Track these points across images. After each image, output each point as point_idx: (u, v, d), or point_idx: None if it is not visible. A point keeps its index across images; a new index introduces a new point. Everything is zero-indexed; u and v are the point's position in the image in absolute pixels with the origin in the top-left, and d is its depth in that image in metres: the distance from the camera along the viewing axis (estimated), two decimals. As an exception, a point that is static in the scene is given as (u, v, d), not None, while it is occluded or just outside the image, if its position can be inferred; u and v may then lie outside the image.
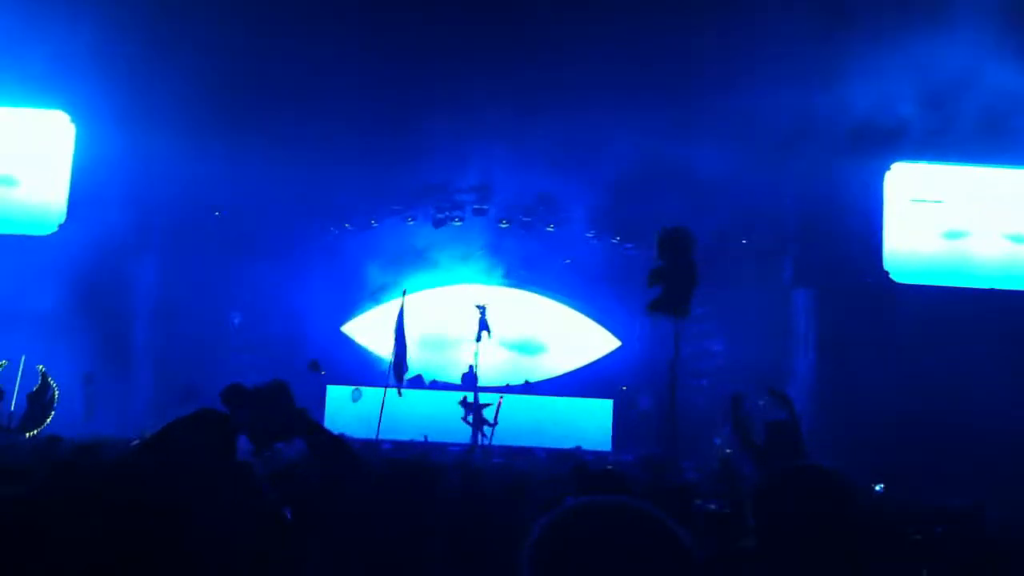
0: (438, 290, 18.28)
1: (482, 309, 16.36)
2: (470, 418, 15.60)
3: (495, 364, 17.66)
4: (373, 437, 13.79)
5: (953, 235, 15.47)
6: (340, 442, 4.15)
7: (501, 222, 17.75)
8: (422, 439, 14.54)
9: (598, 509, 1.79)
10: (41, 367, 13.19)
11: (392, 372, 14.26)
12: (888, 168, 15.54)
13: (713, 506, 5.44)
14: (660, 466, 10.71)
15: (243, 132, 14.60)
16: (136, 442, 9.84)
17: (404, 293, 15.33)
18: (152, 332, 16.22)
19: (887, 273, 15.45)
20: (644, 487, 4.55)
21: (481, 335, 16.44)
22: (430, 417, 15.90)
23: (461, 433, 15.63)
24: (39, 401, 12.85)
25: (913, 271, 15.45)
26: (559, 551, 1.74)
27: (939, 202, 15.53)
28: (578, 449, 15.39)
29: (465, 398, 15.87)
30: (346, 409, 16.30)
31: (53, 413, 13.02)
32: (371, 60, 14.55)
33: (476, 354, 16.61)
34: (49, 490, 3.35)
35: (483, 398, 15.89)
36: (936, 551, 4.19)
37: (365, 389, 16.45)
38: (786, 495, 2.38)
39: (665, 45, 14.06)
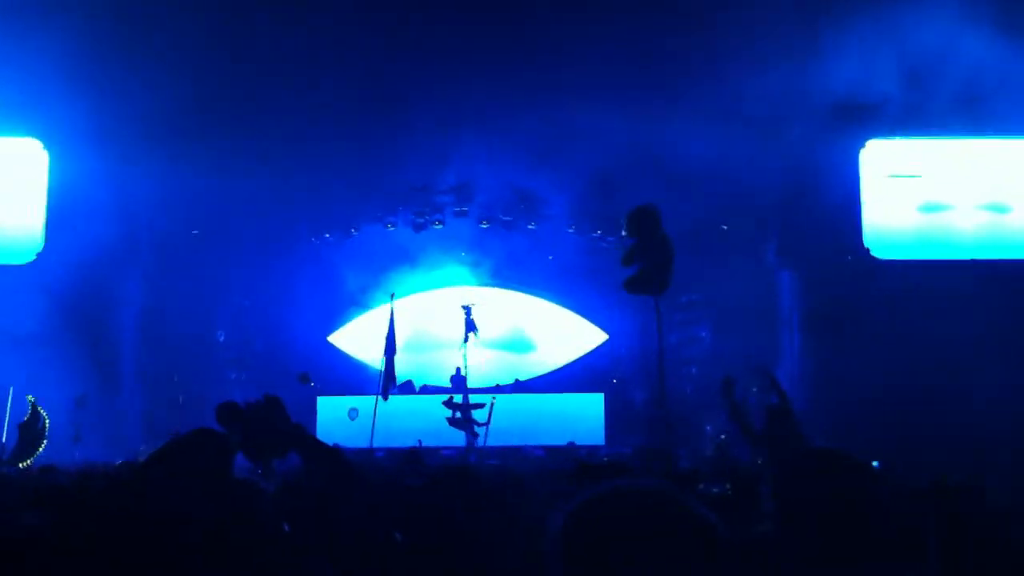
0: (423, 294, 18.24)
1: (467, 309, 16.34)
2: (458, 415, 15.54)
3: (484, 365, 17.64)
4: (366, 446, 13.76)
5: (931, 208, 15.54)
6: (337, 455, 4.12)
7: (482, 223, 17.72)
8: (416, 443, 14.48)
9: (625, 492, 1.78)
10: (31, 397, 13.08)
11: (381, 380, 14.21)
12: (863, 145, 15.59)
13: (716, 490, 5.46)
14: (656, 456, 10.72)
15: (220, 146, 14.50)
16: (122, 464, 9.79)
17: (392, 297, 15.25)
18: (139, 351, 16.13)
19: (868, 250, 15.51)
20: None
21: (468, 336, 16.41)
22: (422, 422, 15.86)
23: (454, 436, 15.59)
24: (30, 431, 12.74)
25: (894, 246, 15.52)
26: (589, 535, 1.73)
27: (916, 177, 15.59)
28: (572, 445, 15.39)
29: (451, 398, 15.80)
30: (337, 420, 16.26)
31: (45, 443, 12.92)
32: (349, 67, 14.49)
33: (464, 355, 16.59)
34: (60, 511, 3.32)
35: (474, 399, 15.85)
36: (942, 526, 4.20)
37: (356, 398, 16.38)
38: (807, 479, 2.38)
39: (639, 33, 14.05)
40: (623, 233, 10.62)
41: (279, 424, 4.04)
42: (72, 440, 13.71)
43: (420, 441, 14.53)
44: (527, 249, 17.95)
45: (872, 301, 14.68)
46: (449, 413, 15.69)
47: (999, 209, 15.49)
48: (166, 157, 14.24)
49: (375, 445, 13.95)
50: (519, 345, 18.44)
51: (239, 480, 3.61)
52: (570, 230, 17.79)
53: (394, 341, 14.86)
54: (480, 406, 15.35)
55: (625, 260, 10.36)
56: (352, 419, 15.84)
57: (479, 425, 15.24)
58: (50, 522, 3.27)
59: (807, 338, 15.68)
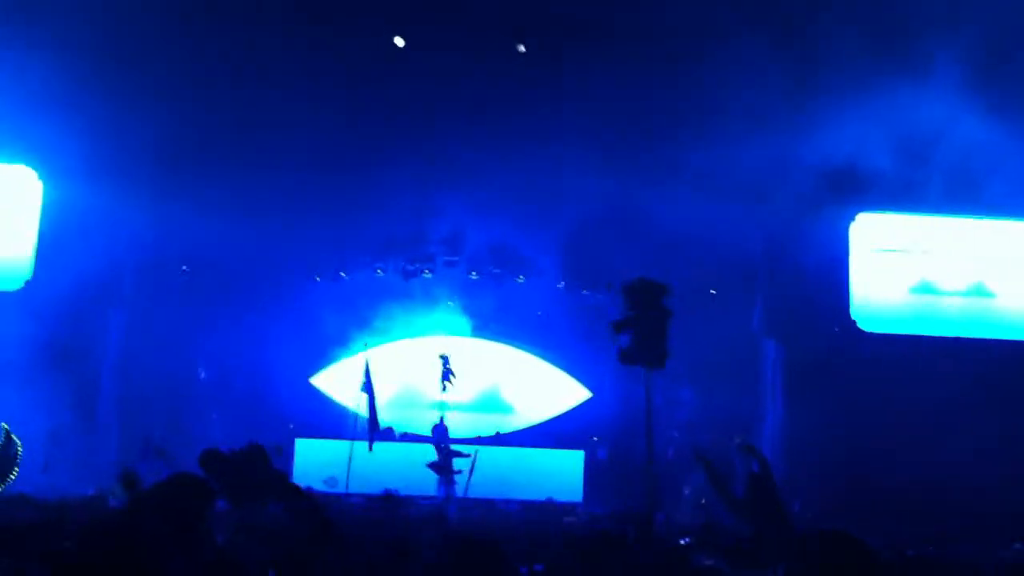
0: (407, 342, 18.20)
1: (445, 359, 16.26)
2: (439, 460, 15.39)
3: (465, 415, 17.56)
4: (342, 491, 13.65)
5: (920, 289, 15.66)
6: (316, 506, 4.11)
7: (471, 274, 17.79)
8: (388, 491, 14.32)
9: None
10: (4, 425, 12.99)
11: (367, 428, 14.10)
12: (853, 219, 15.73)
13: (710, 563, 5.43)
14: (634, 518, 10.66)
15: (212, 185, 14.59)
16: (97, 496, 9.67)
17: (366, 346, 15.25)
18: (118, 384, 16.01)
19: (855, 322, 15.60)
20: (633, 544, 4.50)
21: (445, 385, 16.32)
22: (399, 470, 15.74)
23: (430, 486, 15.46)
24: (2, 458, 12.61)
25: (880, 320, 15.62)
26: None
27: (903, 252, 15.73)
28: (550, 501, 15.28)
29: (441, 444, 15.67)
30: (314, 462, 16.13)
31: (17, 470, 12.81)
32: (340, 112, 14.62)
33: (443, 404, 16.49)
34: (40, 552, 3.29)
35: (456, 448, 15.73)
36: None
37: (334, 442, 16.23)
38: (816, 564, 2.41)
39: (635, 97, 14.24)
40: (625, 305, 10.55)
41: (261, 472, 4.04)
42: (42, 469, 13.57)
43: (397, 491, 14.39)
44: (515, 303, 17.97)
45: (856, 373, 14.76)
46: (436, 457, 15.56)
47: (983, 293, 15.64)
48: (159, 194, 14.33)
49: (351, 491, 13.84)
50: (502, 398, 18.39)
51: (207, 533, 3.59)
52: (559, 286, 17.87)
53: (373, 390, 14.77)
54: (463, 455, 15.24)
55: (616, 327, 10.36)
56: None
57: (458, 473, 15.12)
58: (29, 562, 3.24)
59: (790, 405, 15.69)
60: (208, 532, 3.80)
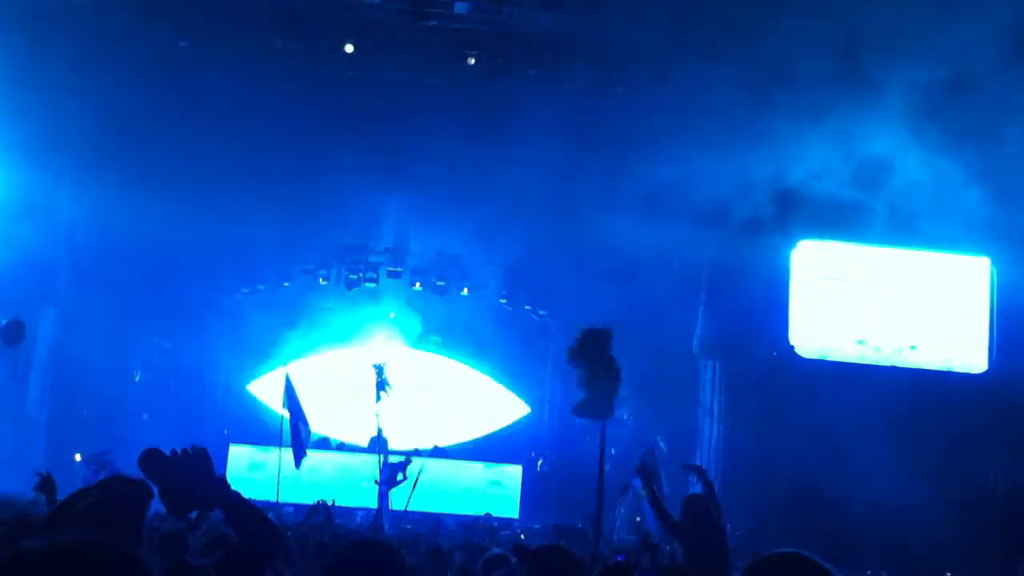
0: (346, 351, 18.05)
1: (379, 369, 16.05)
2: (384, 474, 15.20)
3: (402, 427, 17.43)
4: (272, 500, 13.44)
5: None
6: (259, 514, 4.00)
7: (415, 285, 17.72)
8: (324, 502, 14.11)
9: None
10: None
11: (292, 447, 13.78)
12: (794, 245, 15.91)
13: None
14: (571, 534, 10.67)
15: (154, 184, 14.30)
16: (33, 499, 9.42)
17: (286, 364, 15.00)
18: (49, 384, 15.66)
19: (792, 348, 15.78)
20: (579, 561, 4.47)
21: (380, 395, 16.13)
22: (335, 480, 15.58)
23: (367, 498, 15.30)
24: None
25: (818, 346, 15.84)
26: None
27: (842, 280, 15.98)
28: (487, 517, 15.21)
29: (383, 456, 15.48)
30: (246, 469, 15.92)
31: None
32: (288, 118, 14.48)
33: (377, 415, 16.31)
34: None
35: (395, 461, 15.56)
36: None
37: (267, 448, 16.00)
38: None
39: (585, 118, 14.32)
40: (569, 357, 10.40)
41: (204, 477, 3.91)
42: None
43: (333, 501, 14.17)
44: (457, 315, 17.94)
45: (793, 398, 14.93)
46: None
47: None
48: (98, 190, 14.07)
49: (284, 500, 13.63)
50: (441, 411, 18.28)
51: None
52: (501, 301, 17.86)
53: (297, 406, 14.37)
54: (403, 469, 15.04)
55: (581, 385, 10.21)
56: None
57: (402, 482, 14.92)
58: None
59: (727, 427, 15.81)
60: (143, 540, 3.68)
